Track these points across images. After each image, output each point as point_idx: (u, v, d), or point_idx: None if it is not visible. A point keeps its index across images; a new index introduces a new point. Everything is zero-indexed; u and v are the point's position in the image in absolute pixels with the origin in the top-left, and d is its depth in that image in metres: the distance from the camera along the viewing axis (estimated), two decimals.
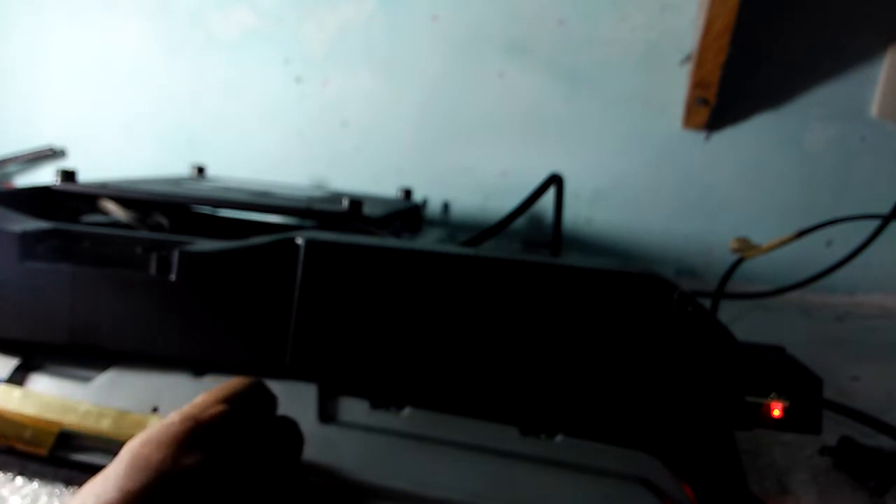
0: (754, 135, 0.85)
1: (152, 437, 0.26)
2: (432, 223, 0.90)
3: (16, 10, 1.02)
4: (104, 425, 0.35)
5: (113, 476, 0.24)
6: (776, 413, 0.34)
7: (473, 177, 0.93)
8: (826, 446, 0.44)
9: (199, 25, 0.97)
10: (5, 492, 0.34)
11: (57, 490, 0.34)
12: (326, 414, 0.36)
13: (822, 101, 0.82)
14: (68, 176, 0.58)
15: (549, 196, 0.74)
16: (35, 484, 0.34)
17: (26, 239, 0.38)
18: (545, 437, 0.35)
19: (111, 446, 0.34)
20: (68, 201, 0.57)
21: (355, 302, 0.36)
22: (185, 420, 0.27)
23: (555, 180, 0.74)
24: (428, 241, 0.72)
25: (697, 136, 0.86)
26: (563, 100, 0.89)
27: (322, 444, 0.33)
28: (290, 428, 0.31)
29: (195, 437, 0.26)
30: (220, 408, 0.28)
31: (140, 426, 0.35)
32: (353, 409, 0.36)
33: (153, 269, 0.37)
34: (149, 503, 0.24)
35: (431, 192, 0.93)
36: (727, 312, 0.73)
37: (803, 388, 0.35)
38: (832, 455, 0.43)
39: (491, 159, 0.92)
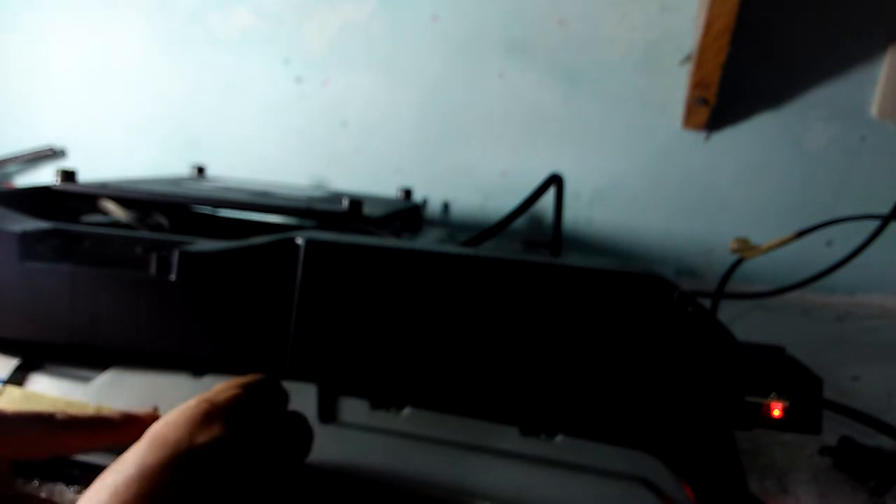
0: (754, 135, 0.85)
1: (170, 419, 0.28)
2: (432, 223, 0.89)
3: (16, 10, 1.02)
4: None
5: (132, 455, 0.26)
6: (776, 413, 0.34)
7: (473, 177, 0.93)
8: (826, 446, 0.44)
9: (199, 25, 0.97)
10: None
11: (58, 488, 0.34)
12: (326, 414, 0.36)
13: (822, 101, 0.82)
14: (68, 176, 0.58)
15: (549, 196, 0.74)
16: (35, 483, 0.34)
17: (26, 239, 0.38)
18: (545, 437, 0.35)
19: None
20: (68, 201, 0.57)
21: (355, 302, 0.36)
22: (201, 402, 0.29)
23: (555, 180, 0.74)
24: (428, 241, 0.72)
25: (697, 136, 0.86)
26: (563, 100, 0.89)
27: (322, 444, 0.33)
28: (301, 422, 0.32)
29: (210, 417, 0.28)
30: (234, 391, 0.30)
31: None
32: (353, 409, 0.36)
33: (153, 269, 0.37)
34: (165, 477, 0.25)
35: (431, 192, 0.93)
36: (727, 312, 0.73)
37: (803, 388, 0.34)
38: (832, 455, 0.43)
39: (491, 159, 0.92)
